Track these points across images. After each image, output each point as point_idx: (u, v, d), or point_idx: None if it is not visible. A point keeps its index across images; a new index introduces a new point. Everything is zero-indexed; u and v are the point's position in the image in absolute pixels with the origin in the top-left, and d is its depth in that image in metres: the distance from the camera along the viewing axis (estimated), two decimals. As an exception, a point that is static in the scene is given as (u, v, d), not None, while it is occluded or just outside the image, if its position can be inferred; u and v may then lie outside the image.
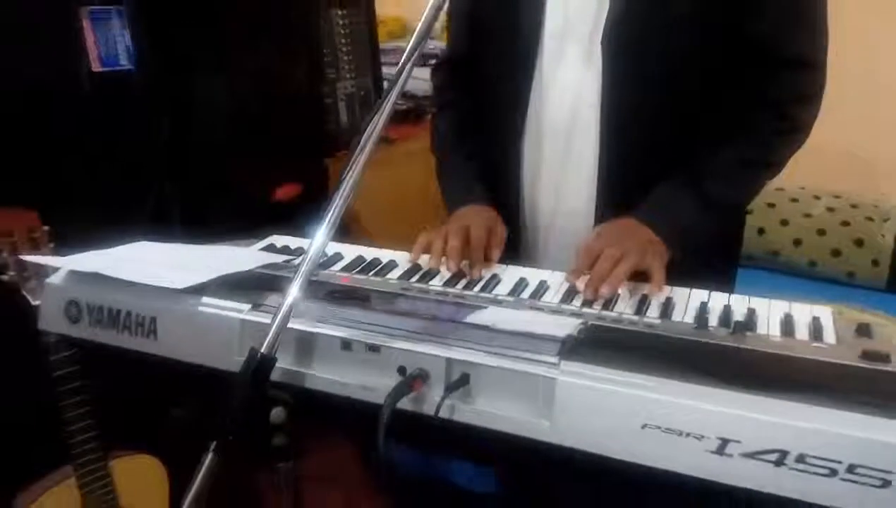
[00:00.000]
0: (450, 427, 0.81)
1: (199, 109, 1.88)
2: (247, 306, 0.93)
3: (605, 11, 1.11)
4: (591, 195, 1.18)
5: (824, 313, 0.92)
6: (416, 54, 0.88)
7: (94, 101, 1.72)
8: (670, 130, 1.13)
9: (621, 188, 1.16)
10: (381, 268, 1.11)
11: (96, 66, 1.72)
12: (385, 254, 1.16)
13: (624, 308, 0.96)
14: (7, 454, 1.52)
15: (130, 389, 1.35)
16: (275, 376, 0.81)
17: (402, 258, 1.14)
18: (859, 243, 2.34)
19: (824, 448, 0.66)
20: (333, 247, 1.17)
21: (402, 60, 0.88)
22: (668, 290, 0.99)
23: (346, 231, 1.78)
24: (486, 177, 1.28)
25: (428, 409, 0.81)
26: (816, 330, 0.88)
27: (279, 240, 1.25)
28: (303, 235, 1.19)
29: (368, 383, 0.84)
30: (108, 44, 1.73)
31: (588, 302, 0.97)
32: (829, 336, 0.87)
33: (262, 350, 0.78)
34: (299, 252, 1.17)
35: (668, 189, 1.13)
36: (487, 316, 0.91)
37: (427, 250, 1.12)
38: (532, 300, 1.00)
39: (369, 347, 0.85)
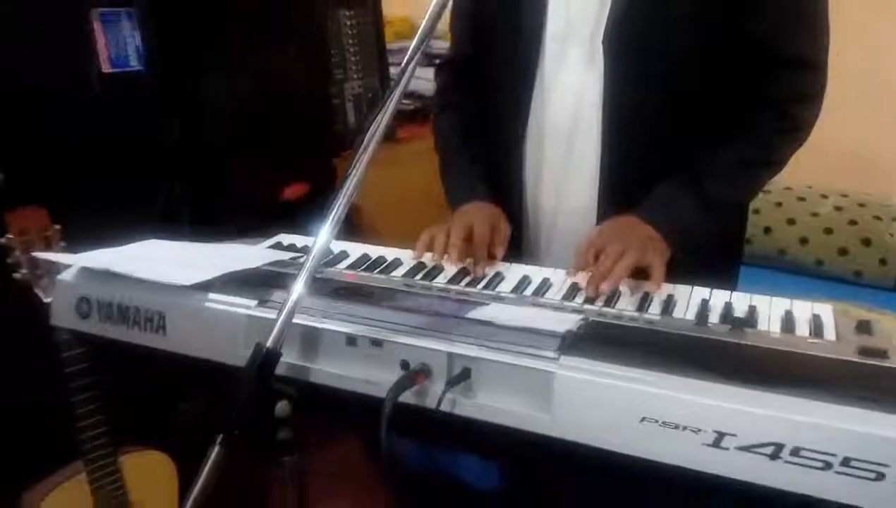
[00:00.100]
0: (453, 422, 0.82)
1: (208, 110, 1.90)
2: (253, 302, 0.95)
3: (607, 12, 1.11)
4: (593, 194, 1.19)
5: (825, 310, 0.93)
6: (419, 53, 0.88)
7: (104, 102, 1.74)
8: (671, 130, 1.14)
9: (623, 187, 1.17)
10: (386, 266, 1.13)
11: (107, 68, 1.74)
12: (390, 253, 1.17)
13: (625, 305, 0.97)
14: (9, 453, 1.54)
15: (139, 385, 1.37)
16: (280, 370, 0.82)
17: (407, 256, 1.15)
18: (867, 242, 2.33)
19: (819, 442, 0.67)
20: (339, 246, 1.19)
21: (405, 59, 0.89)
22: (670, 288, 1.00)
23: (354, 229, 1.80)
24: (489, 179, 1.29)
25: (430, 403, 0.82)
26: (817, 327, 0.88)
27: (286, 238, 1.27)
28: (310, 234, 1.20)
29: (372, 377, 0.85)
30: (119, 45, 1.75)
31: (590, 299, 0.98)
32: (829, 332, 0.87)
33: (268, 345, 0.80)
34: (305, 250, 1.19)
35: (668, 188, 1.14)
36: (489, 312, 0.92)
37: (430, 246, 1.13)
38: (535, 297, 1.01)
39: (373, 342, 0.86)
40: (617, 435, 0.74)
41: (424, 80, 1.75)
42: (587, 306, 0.97)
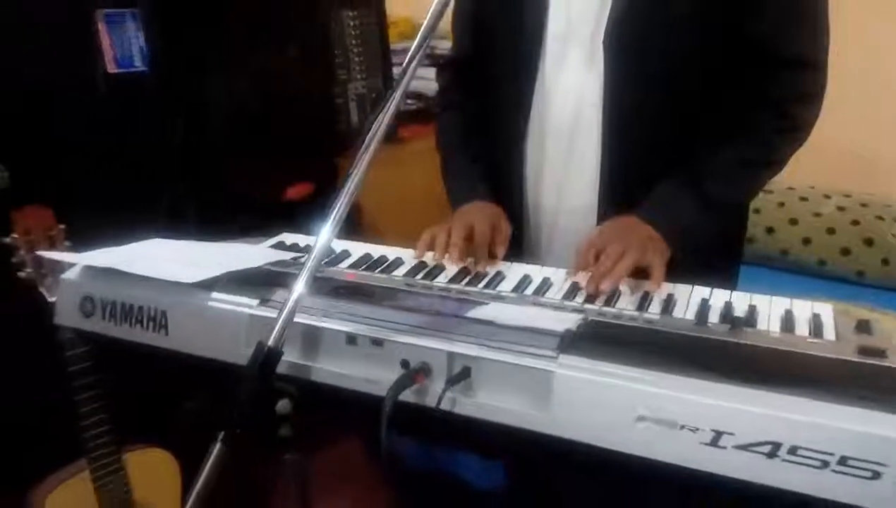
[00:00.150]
0: (452, 421, 0.83)
1: (212, 110, 1.91)
2: (255, 301, 0.96)
3: (607, 12, 1.12)
4: (594, 194, 1.19)
5: (825, 310, 0.93)
6: (420, 53, 0.89)
7: (109, 103, 1.75)
8: (671, 129, 1.15)
9: (623, 187, 1.17)
10: (388, 266, 1.13)
11: (111, 68, 1.75)
12: (392, 252, 1.18)
13: (625, 304, 0.97)
14: (13, 451, 1.55)
15: (143, 383, 1.37)
16: (281, 369, 0.82)
17: (409, 256, 1.16)
18: (869, 242, 2.33)
19: (816, 441, 0.67)
20: (341, 245, 1.19)
21: (406, 59, 0.89)
22: (669, 287, 1.00)
23: (356, 228, 1.80)
24: (490, 178, 1.29)
25: (430, 402, 0.82)
26: (816, 327, 0.88)
27: (289, 237, 1.27)
28: (313, 234, 1.21)
29: (372, 376, 0.86)
30: (123, 46, 1.76)
31: (590, 299, 0.98)
32: (829, 332, 0.87)
33: (269, 343, 0.80)
34: (308, 249, 1.19)
35: (668, 188, 1.14)
36: (489, 311, 0.93)
37: (431, 246, 1.14)
38: (535, 296, 1.01)
39: (373, 341, 0.87)
40: (616, 434, 0.75)
41: (427, 80, 1.76)
42: (587, 305, 0.97)
